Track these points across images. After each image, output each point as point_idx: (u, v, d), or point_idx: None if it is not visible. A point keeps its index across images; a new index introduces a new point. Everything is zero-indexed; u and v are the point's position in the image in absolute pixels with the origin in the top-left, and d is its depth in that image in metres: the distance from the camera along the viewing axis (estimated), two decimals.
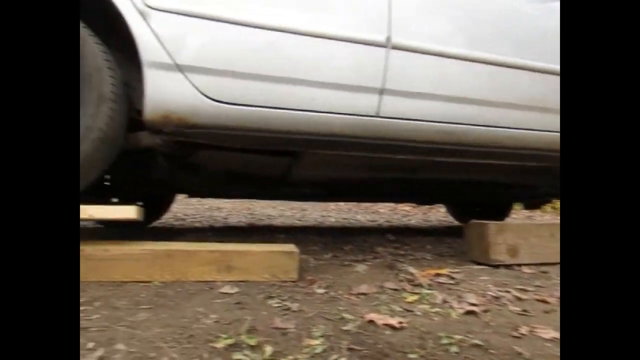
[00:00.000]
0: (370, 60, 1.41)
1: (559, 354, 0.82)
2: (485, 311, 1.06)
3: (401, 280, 1.32)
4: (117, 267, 1.15)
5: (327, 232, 2.54)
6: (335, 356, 0.77)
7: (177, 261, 1.19)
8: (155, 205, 2.39)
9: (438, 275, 1.39)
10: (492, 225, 1.59)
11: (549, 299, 1.17)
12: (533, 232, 1.63)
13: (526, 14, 1.66)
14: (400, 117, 1.48)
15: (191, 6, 1.24)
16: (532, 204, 2.99)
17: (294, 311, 1.00)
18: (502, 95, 1.59)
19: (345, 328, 0.90)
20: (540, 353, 0.82)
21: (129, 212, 1.21)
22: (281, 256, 1.25)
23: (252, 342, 0.81)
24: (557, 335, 0.91)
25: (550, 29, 1.66)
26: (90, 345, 0.77)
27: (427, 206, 4.71)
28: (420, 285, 1.27)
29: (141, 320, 0.90)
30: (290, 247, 1.32)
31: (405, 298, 1.14)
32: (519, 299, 1.18)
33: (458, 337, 0.88)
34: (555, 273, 1.50)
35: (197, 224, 2.78)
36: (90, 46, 1.15)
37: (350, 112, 1.41)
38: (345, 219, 3.73)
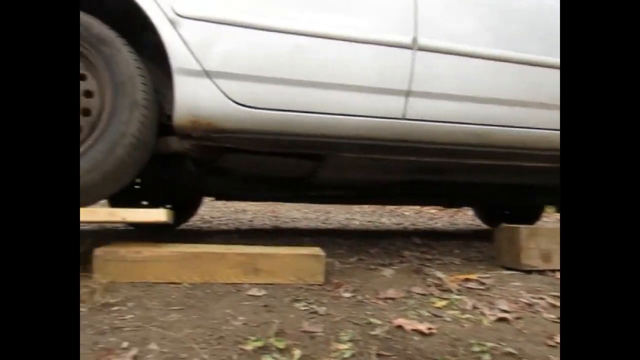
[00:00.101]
0: (396, 62, 1.40)
1: None
2: (518, 318, 1.03)
3: (429, 285, 1.30)
4: (148, 269, 1.18)
5: (352, 235, 2.53)
6: None
7: (205, 263, 1.21)
8: (184, 208, 2.45)
9: (467, 280, 1.36)
10: (524, 229, 1.54)
11: None
12: None
13: (552, 9, 1.61)
14: (426, 119, 1.46)
15: (218, 13, 1.27)
16: None
17: (321, 315, 0.99)
18: (532, 95, 1.55)
19: (373, 333, 0.89)
20: None
21: (159, 215, 1.24)
22: (307, 259, 1.26)
23: (281, 345, 0.81)
24: None
25: None
26: (125, 344, 0.79)
27: (454, 209, 4.62)
28: (449, 291, 1.24)
29: (173, 321, 0.92)
30: (317, 250, 1.32)
31: (433, 303, 1.12)
32: (554, 306, 1.14)
33: (490, 344, 0.85)
34: None
35: (224, 227, 2.82)
36: (124, 55, 1.19)
37: (376, 115, 1.40)
38: (370, 221, 3.71)
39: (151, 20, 1.20)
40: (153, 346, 0.79)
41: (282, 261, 1.24)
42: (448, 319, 1.00)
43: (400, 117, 1.43)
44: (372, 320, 0.97)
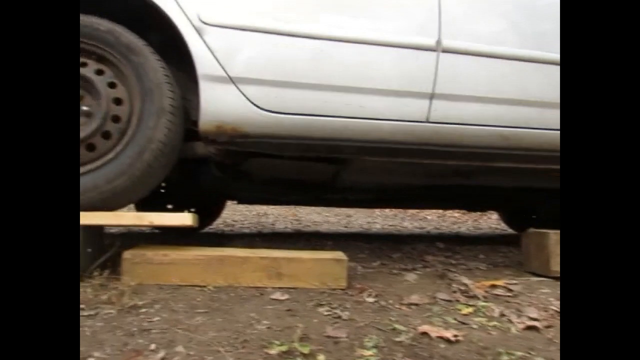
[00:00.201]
0: (419, 65, 1.38)
1: None
2: (548, 327, 1.00)
3: (454, 291, 1.27)
4: (174, 271, 1.20)
5: (373, 239, 2.51)
6: None
7: (229, 267, 1.22)
8: (207, 211, 2.49)
9: (494, 286, 1.33)
10: (553, 234, 1.49)
11: None
12: None
13: None
14: (450, 121, 1.44)
15: (242, 20, 1.29)
16: None
17: (345, 320, 0.99)
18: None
19: (398, 339, 0.88)
20: None
21: (185, 219, 1.26)
22: (330, 263, 1.25)
23: (305, 350, 0.81)
24: None
25: None
26: (153, 346, 0.81)
27: (478, 213, 4.52)
28: (475, 297, 1.21)
29: (198, 324, 0.93)
30: (339, 255, 1.31)
31: (459, 310, 1.10)
32: None
33: (519, 353, 0.83)
34: None
35: (246, 230, 2.85)
36: (152, 63, 1.23)
37: (399, 118, 1.39)
38: (391, 225, 3.67)
39: (178, 29, 1.23)
40: (180, 348, 0.81)
41: (305, 265, 1.24)
42: (475, 326, 0.98)
43: (423, 120, 1.41)
44: (396, 326, 0.96)
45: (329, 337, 0.88)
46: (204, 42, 1.25)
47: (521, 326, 0.99)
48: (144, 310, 1.00)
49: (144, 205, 2.03)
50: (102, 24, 1.23)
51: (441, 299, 1.19)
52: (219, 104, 1.27)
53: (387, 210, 5.02)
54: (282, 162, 1.53)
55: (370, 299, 1.16)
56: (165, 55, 1.31)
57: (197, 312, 1.00)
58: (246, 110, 1.28)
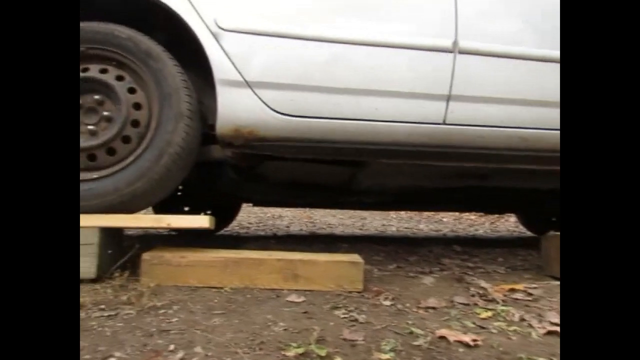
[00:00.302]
0: (436, 67, 1.37)
1: None
2: None
3: (472, 295, 1.25)
4: (192, 273, 1.22)
5: (389, 241, 2.49)
6: None
7: (246, 268, 1.23)
8: (223, 214, 2.51)
9: (513, 290, 1.30)
10: None
11: None
12: None
13: None
14: (468, 123, 1.42)
15: (258, 25, 1.30)
16: None
17: (362, 323, 0.99)
18: None
19: (415, 343, 0.87)
20: None
21: (203, 221, 1.28)
22: (346, 266, 1.25)
23: (322, 352, 0.81)
24: None
25: None
26: (172, 347, 0.82)
27: (495, 215, 4.45)
28: (493, 301, 1.20)
29: (216, 325, 0.94)
30: (355, 257, 1.31)
31: (478, 314, 1.08)
32: None
33: (541, 359, 0.81)
34: None
35: (261, 232, 2.87)
36: (170, 68, 1.25)
37: (415, 120, 1.38)
38: (407, 228, 3.64)
39: (196, 35, 1.25)
40: (198, 349, 0.82)
41: (321, 268, 1.24)
42: (494, 331, 0.97)
43: (440, 122, 1.40)
44: (413, 329, 0.95)
45: (345, 340, 0.88)
46: (221, 47, 1.26)
47: (542, 331, 0.97)
48: (162, 311, 1.01)
49: (161, 208, 2.06)
50: (123, 31, 1.26)
51: (459, 303, 1.17)
52: (236, 107, 1.29)
53: (402, 212, 4.99)
54: (298, 164, 1.54)
55: (387, 302, 1.15)
56: (181, 60, 1.33)
57: (214, 314, 1.01)
58: (262, 114, 1.30)
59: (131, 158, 1.23)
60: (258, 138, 1.31)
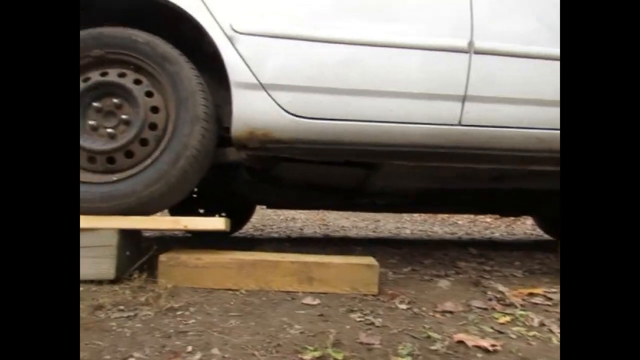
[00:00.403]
0: (451, 67, 1.36)
1: None
2: None
3: (490, 299, 1.23)
4: (208, 275, 1.23)
5: (403, 244, 2.47)
6: None
7: (261, 271, 1.23)
8: (237, 215, 2.53)
9: (532, 294, 1.28)
10: None
11: None
12: None
13: None
14: (484, 124, 1.41)
15: (272, 28, 1.31)
16: None
17: (378, 326, 0.98)
18: None
19: (433, 348, 0.86)
20: None
21: (219, 223, 1.29)
22: (361, 269, 1.25)
23: (339, 356, 0.81)
24: None
25: None
26: (189, 348, 0.83)
27: (512, 218, 4.38)
28: (512, 305, 1.18)
29: (232, 327, 0.95)
30: (370, 260, 1.30)
31: (496, 318, 1.06)
32: None
33: None
34: None
35: (275, 235, 2.87)
36: (186, 72, 1.26)
37: (430, 122, 1.37)
38: (421, 230, 3.61)
39: (212, 38, 1.26)
40: (215, 351, 0.82)
41: (336, 270, 1.24)
42: (513, 336, 0.95)
43: (455, 123, 1.39)
44: (430, 334, 0.94)
45: (362, 343, 0.87)
46: (236, 50, 1.27)
47: None
48: (179, 312, 1.02)
49: (176, 210, 2.08)
50: (140, 36, 1.28)
51: (476, 307, 1.15)
52: (251, 110, 1.29)
53: (415, 215, 4.94)
54: (312, 166, 1.54)
55: (403, 306, 1.14)
56: (196, 63, 1.34)
57: (230, 316, 1.02)
58: (277, 116, 1.30)
59: (149, 161, 1.25)
60: (272, 140, 1.32)
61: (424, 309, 1.13)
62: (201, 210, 2.34)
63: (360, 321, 1.01)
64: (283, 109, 1.31)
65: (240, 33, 1.29)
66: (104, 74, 1.27)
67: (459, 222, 4.51)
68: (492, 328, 0.99)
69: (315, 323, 0.99)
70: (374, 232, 3.39)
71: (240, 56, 1.28)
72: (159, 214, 1.42)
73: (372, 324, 0.99)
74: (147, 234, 2.24)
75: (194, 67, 1.30)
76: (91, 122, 1.26)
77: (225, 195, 2.14)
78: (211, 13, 1.27)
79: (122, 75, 1.28)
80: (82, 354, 0.79)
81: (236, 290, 1.21)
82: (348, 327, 0.97)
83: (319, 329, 0.95)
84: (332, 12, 1.36)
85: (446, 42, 1.36)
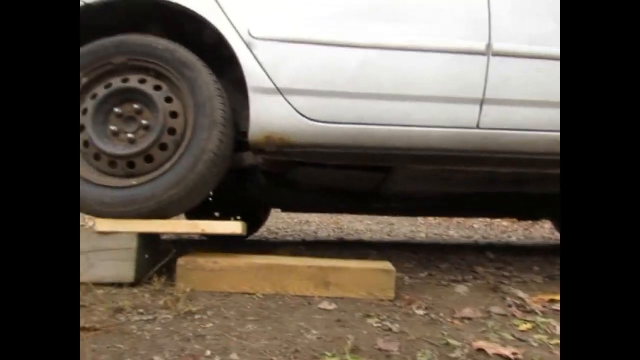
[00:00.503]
0: (469, 70, 1.35)
1: None
2: None
3: (509, 305, 1.21)
4: (224, 278, 1.23)
5: (419, 248, 2.45)
6: None
7: (277, 275, 1.23)
8: (253, 219, 2.54)
9: (553, 301, 1.25)
10: None
11: None
12: None
13: None
14: (502, 127, 1.39)
15: (289, 33, 1.32)
16: None
17: (395, 332, 0.97)
18: None
19: (452, 355, 0.85)
20: None
21: (235, 227, 1.30)
22: (377, 274, 1.24)
23: None
24: None
25: None
26: (208, 352, 0.84)
27: (529, 221, 4.30)
28: (532, 312, 1.15)
29: (249, 331, 0.95)
30: (386, 265, 1.30)
31: (516, 325, 1.04)
32: None
33: None
34: None
35: (289, 238, 2.88)
36: (204, 77, 1.28)
37: (447, 125, 1.36)
38: (436, 234, 3.57)
39: (229, 44, 1.28)
40: (234, 356, 0.82)
41: (352, 275, 1.23)
42: (534, 344, 0.93)
43: (473, 126, 1.37)
44: (449, 340, 0.93)
45: (380, 350, 0.87)
46: (254, 55, 1.28)
47: None
48: (198, 316, 1.03)
49: (192, 213, 2.10)
50: (160, 43, 1.30)
51: (495, 314, 1.13)
52: (268, 114, 1.30)
53: (430, 218, 4.89)
54: (328, 170, 1.54)
55: (420, 311, 1.13)
56: (214, 68, 1.35)
57: (247, 320, 1.02)
58: (294, 121, 1.31)
59: (168, 165, 1.26)
60: (289, 144, 1.33)
61: (441, 314, 1.11)
62: (216, 214, 2.36)
63: (378, 327, 1.00)
64: (300, 113, 1.31)
65: (258, 38, 1.30)
66: (124, 80, 1.30)
67: (475, 226, 4.45)
68: (512, 335, 0.97)
69: (332, 328, 0.98)
70: (388, 235, 3.37)
71: (258, 61, 1.30)
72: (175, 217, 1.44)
73: (390, 329, 0.98)
74: (163, 237, 2.27)
75: (212, 73, 1.32)
76: (112, 128, 1.28)
77: (241, 199, 2.15)
78: (229, 19, 1.29)
79: (142, 81, 1.30)
80: (103, 357, 0.80)
81: (252, 294, 1.21)
82: (365, 332, 0.96)
83: (336, 334, 0.94)
84: (349, 16, 1.36)
85: (464, 45, 1.35)
